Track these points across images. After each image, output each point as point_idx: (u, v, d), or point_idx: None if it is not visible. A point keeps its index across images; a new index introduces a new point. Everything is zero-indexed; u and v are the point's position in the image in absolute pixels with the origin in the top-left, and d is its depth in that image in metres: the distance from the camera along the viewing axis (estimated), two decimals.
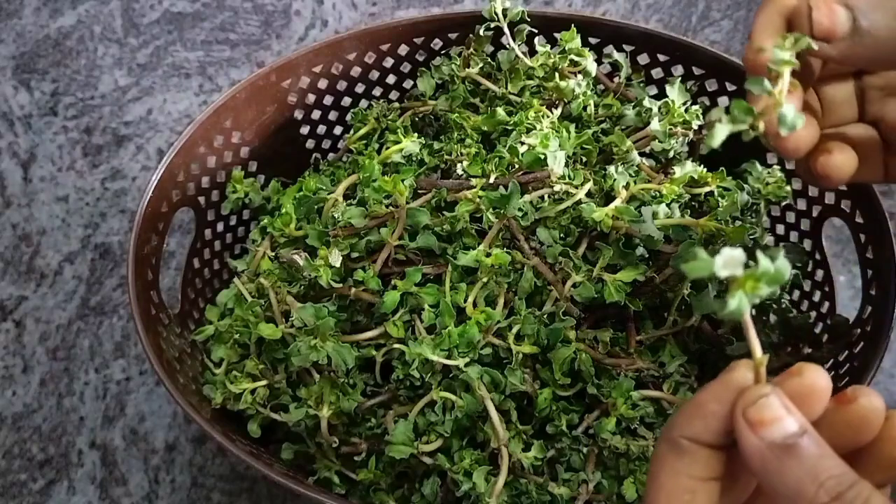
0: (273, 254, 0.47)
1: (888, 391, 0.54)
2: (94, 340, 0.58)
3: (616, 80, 0.51)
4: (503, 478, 0.39)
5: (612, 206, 0.42)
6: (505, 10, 0.49)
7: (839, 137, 0.32)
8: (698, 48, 0.49)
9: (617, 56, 0.51)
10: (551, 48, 0.51)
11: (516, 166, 0.43)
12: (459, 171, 0.44)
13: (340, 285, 0.42)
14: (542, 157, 0.42)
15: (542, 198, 0.43)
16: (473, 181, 0.43)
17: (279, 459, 0.45)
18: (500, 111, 0.47)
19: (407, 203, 0.42)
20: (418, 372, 0.40)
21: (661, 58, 0.51)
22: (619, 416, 0.41)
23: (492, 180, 0.42)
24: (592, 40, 0.51)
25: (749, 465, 0.22)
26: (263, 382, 0.44)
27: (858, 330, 0.44)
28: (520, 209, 0.41)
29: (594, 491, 0.41)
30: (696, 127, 0.46)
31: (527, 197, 0.42)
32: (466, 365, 0.40)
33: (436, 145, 0.48)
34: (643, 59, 0.52)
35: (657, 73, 0.52)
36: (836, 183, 0.31)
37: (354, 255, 0.43)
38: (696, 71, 0.50)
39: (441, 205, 0.44)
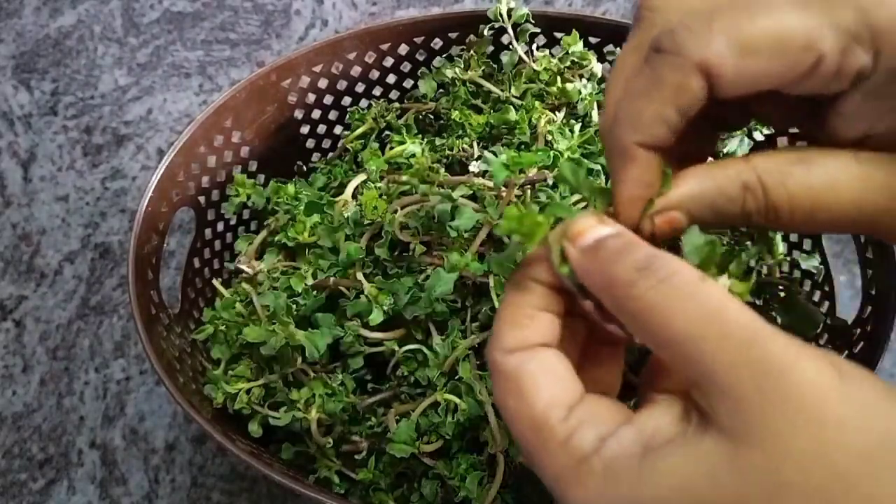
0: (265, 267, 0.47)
1: None
2: (94, 340, 0.58)
3: None
4: (496, 485, 0.39)
5: None
6: (510, 11, 0.49)
7: None
8: None
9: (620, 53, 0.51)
10: (552, 48, 0.51)
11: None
12: (472, 168, 0.44)
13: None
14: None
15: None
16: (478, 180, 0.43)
17: (279, 459, 0.45)
18: (511, 110, 0.47)
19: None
20: (425, 373, 0.40)
21: None
22: None
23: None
24: (593, 40, 0.51)
25: (578, 280, 0.23)
26: (259, 382, 0.44)
27: (858, 330, 0.44)
28: None
29: None
30: None
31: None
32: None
33: (437, 141, 0.48)
34: None
35: None
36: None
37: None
38: None
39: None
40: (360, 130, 0.51)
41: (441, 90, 0.53)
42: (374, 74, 0.54)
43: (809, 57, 0.22)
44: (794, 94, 0.24)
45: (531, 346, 0.24)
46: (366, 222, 0.43)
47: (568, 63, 0.49)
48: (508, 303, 0.25)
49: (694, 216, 0.25)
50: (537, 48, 0.51)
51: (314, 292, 0.43)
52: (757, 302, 0.45)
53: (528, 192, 0.42)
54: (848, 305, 0.46)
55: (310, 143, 0.55)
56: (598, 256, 0.23)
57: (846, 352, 0.44)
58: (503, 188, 0.41)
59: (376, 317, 0.41)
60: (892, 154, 0.24)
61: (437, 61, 0.53)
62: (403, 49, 0.53)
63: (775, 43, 0.22)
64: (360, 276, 0.43)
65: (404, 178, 0.42)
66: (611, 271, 0.22)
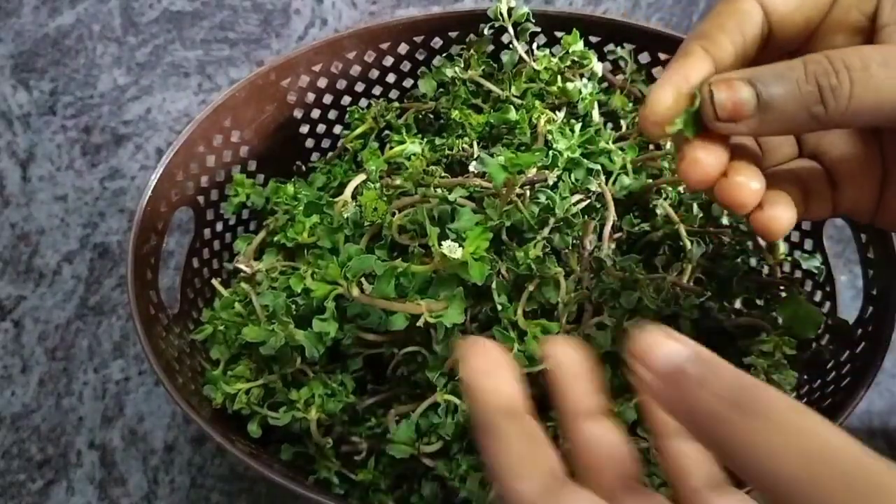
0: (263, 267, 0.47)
1: (889, 391, 0.54)
2: (93, 340, 0.58)
3: (621, 77, 0.51)
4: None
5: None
6: (510, 10, 0.49)
7: (781, 178, 0.31)
8: None
9: (621, 52, 0.51)
10: (552, 47, 0.51)
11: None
12: (472, 168, 0.44)
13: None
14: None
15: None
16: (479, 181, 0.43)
17: (278, 460, 0.45)
18: (511, 109, 0.47)
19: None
20: (425, 374, 0.40)
21: (663, 56, 0.51)
22: None
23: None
24: (593, 39, 0.51)
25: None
26: (258, 383, 0.44)
27: (860, 330, 0.44)
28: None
29: None
30: None
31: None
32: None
33: (437, 140, 0.48)
34: (644, 57, 0.51)
35: (658, 72, 0.52)
36: (777, 236, 0.30)
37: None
38: None
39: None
40: (359, 130, 0.51)
41: (441, 89, 0.52)
42: (374, 74, 0.54)
43: None
44: (841, 23, 0.27)
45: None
46: (365, 223, 0.43)
47: (568, 62, 0.49)
48: None
49: (758, 88, 0.25)
50: (537, 47, 0.51)
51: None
52: (758, 302, 0.45)
53: (528, 192, 0.42)
54: (849, 306, 0.46)
55: (309, 143, 0.55)
56: (680, 386, 0.21)
57: (847, 352, 0.44)
58: (503, 188, 0.41)
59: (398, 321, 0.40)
60: None
61: (436, 60, 0.53)
62: (403, 48, 0.53)
63: None
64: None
65: (398, 181, 0.42)
66: (698, 405, 0.21)
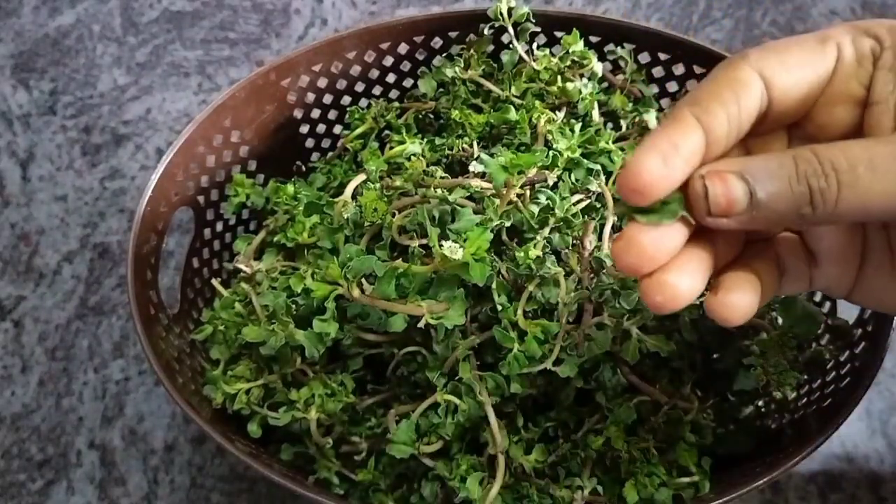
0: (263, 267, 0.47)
1: (889, 391, 0.54)
2: (93, 340, 0.58)
3: (621, 77, 0.51)
4: (497, 486, 0.38)
5: None
6: (510, 10, 0.49)
7: (758, 253, 0.30)
8: (700, 47, 0.49)
9: (621, 52, 0.51)
10: (552, 47, 0.51)
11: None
12: (472, 168, 0.44)
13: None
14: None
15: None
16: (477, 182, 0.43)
17: (279, 460, 0.45)
18: (511, 109, 0.47)
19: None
20: (425, 374, 0.40)
21: (663, 56, 0.51)
22: (610, 437, 0.41)
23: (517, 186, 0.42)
24: (593, 39, 0.51)
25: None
26: (258, 383, 0.44)
27: (859, 330, 0.44)
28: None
29: (596, 493, 0.41)
30: None
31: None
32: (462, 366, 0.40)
33: (437, 140, 0.48)
34: (644, 57, 0.51)
35: (658, 72, 0.52)
36: (731, 323, 0.27)
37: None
38: (698, 70, 0.50)
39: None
40: (359, 130, 0.51)
41: (441, 89, 0.52)
42: (374, 73, 0.54)
43: (831, 48, 0.27)
44: (840, 95, 0.27)
45: None
46: (366, 224, 0.43)
47: (568, 62, 0.49)
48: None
49: (751, 186, 0.25)
50: (537, 47, 0.51)
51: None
52: None
53: (528, 192, 0.42)
54: (849, 306, 0.46)
55: (309, 143, 0.55)
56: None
57: (847, 352, 0.44)
58: (503, 189, 0.41)
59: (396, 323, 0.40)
60: None
61: (436, 60, 0.53)
62: (403, 48, 0.53)
63: (800, 43, 0.27)
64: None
65: (398, 182, 0.42)
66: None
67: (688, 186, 0.26)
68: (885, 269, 0.29)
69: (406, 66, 0.54)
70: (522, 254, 0.40)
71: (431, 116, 0.52)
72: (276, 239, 0.48)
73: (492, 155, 0.43)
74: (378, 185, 0.43)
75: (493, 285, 0.40)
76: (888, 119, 0.26)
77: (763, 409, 0.46)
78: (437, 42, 0.53)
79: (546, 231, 0.42)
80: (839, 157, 0.24)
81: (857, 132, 0.28)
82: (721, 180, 0.25)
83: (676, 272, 0.26)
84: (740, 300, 0.27)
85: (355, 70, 0.53)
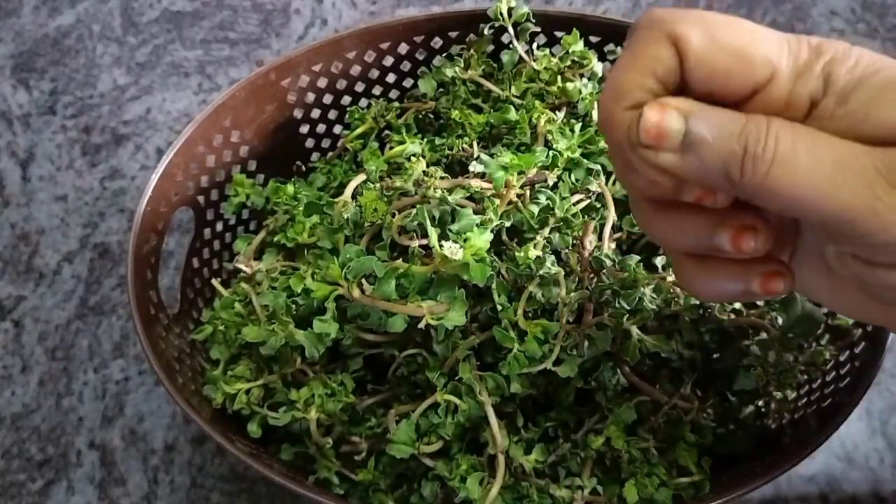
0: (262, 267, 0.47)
1: (889, 391, 0.54)
2: (93, 340, 0.58)
3: None
4: (497, 486, 0.38)
5: None
6: (510, 10, 0.49)
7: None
8: None
9: (621, 52, 0.51)
10: (552, 47, 0.51)
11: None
12: (472, 168, 0.44)
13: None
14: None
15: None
16: (476, 182, 0.43)
17: (279, 460, 0.45)
18: (511, 109, 0.47)
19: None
20: (425, 374, 0.40)
21: None
22: (610, 437, 0.41)
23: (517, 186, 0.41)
24: (593, 39, 0.51)
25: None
26: (258, 383, 0.44)
27: (859, 330, 0.44)
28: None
29: (595, 493, 0.41)
30: None
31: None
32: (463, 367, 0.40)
33: (437, 140, 0.48)
34: None
35: None
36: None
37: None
38: None
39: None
40: (359, 130, 0.51)
41: (441, 89, 0.52)
42: (374, 73, 0.54)
43: (766, 70, 0.24)
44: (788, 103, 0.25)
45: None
46: (366, 224, 0.43)
47: (568, 62, 0.49)
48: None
49: (689, 125, 0.24)
50: (537, 47, 0.51)
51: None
52: (758, 302, 0.45)
53: (528, 192, 0.42)
54: None
55: (309, 143, 0.55)
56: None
57: (847, 352, 0.44)
58: (503, 189, 0.41)
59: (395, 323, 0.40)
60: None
61: (437, 60, 0.53)
62: (403, 48, 0.53)
63: (740, 46, 0.24)
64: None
65: (398, 183, 0.42)
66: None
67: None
68: (821, 273, 0.28)
69: (406, 66, 0.54)
70: (522, 254, 0.40)
71: (431, 116, 0.52)
72: (276, 239, 0.48)
73: (492, 155, 0.43)
74: (378, 186, 0.43)
75: (493, 285, 0.40)
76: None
77: (763, 409, 0.46)
78: (437, 42, 0.53)
79: (546, 231, 0.42)
80: (787, 131, 0.23)
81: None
82: (660, 109, 0.24)
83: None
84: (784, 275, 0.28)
85: (355, 70, 0.53)
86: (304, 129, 0.54)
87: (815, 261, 0.29)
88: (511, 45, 0.50)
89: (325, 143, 0.56)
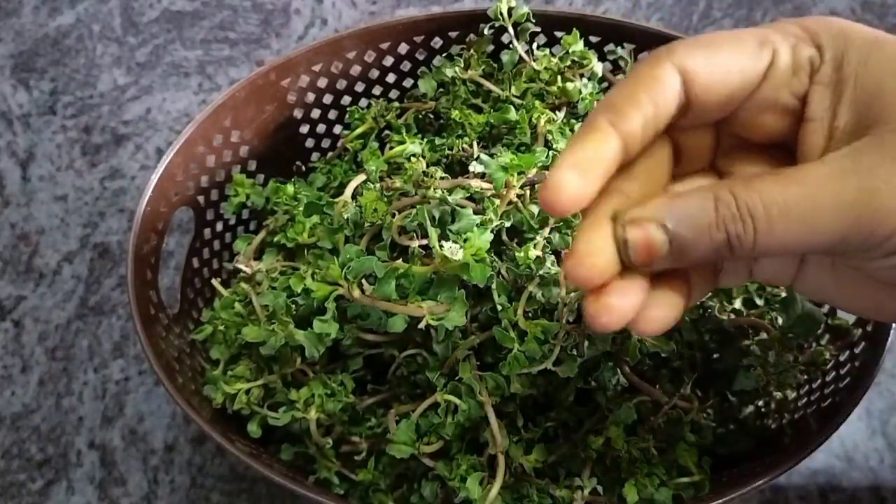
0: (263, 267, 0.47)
1: (889, 391, 0.54)
2: (93, 340, 0.58)
3: (621, 77, 0.51)
4: (497, 486, 0.38)
5: None
6: (510, 10, 0.49)
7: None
8: None
9: (621, 52, 0.51)
10: (552, 47, 0.51)
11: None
12: (472, 169, 0.44)
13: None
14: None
15: None
16: (476, 182, 0.43)
17: (279, 460, 0.45)
18: (511, 109, 0.47)
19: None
20: (425, 374, 0.40)
21: None
22: (609, 437, 0.41)
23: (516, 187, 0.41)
24: (593, 39, 0.51)
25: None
26: (258, 383, 0.44)
27: (859, 330, 0.44)
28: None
29: (595, 493, 0.41)
30: None
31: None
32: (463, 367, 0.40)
33: (437, 140, 0.48)
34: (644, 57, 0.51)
35: None
36: (647, 334, 0.28)
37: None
38: None
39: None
40: (359, 130, 0.51)
41: (441, 89, 0.52)
42: (374, 73, 0.54)
43: (766, 51, 0.26)
44: (771, 103, 0.26)
45: None
46: (366, 224, 0.43)
47: (568, 62, 0.49)
48: None
49: (671, 233, 0.25)
50: (537, 47, 0.51)
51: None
52: (758, 302, 0.45)
53: (528, 192, 0.42)
54: None
55: (309, 143, 0.55)
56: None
57: (847, 352, 0.44)
58: (503, 189, 0.41)
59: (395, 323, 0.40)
60: (856, 153, 0.24)
61: (437, 60, 0.53)
62: (403, 48, 0.53)
63: (735, 41, 0.26)
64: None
65: (398, 184, 0.42)
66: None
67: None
68: (825, 264, 0.29)
69: (406, 66, 0.54)
70: (522, 254, 0.40)
71: (431, 116, 0.52)
72: (276, 239, 0.48)
73: (492, 155, 0.43)
74: (378, 186, 0.43)
75: (494, 285, 0.40)
76: (821, 138, 0.26)
77: (763, 409, 0.46)
78: (437, 42, 0.53)
79: (546, 231, 0.42)
80: (756, 202, 0.24)
81: (787, 140, 0.27)
82: (641, 230, 0.25)
83: (618, 294, 0.26)
84: (657, 314, 0.27)
85: (355, 70, 0.53)
86: (304, 129, 0.54)
87: (817, 260, 0.29)
88: (511, 45, 0.50)
89: (325, 143, 0.56)
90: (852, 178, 0.23)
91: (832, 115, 0.26)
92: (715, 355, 0.45)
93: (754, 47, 0.26)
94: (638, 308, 0.26)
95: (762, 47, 0.26)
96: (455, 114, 0.48)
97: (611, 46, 0.51)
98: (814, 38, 0.26)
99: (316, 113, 0.54)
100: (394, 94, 0.55)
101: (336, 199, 0.46)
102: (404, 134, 0.49)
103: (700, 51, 0.26)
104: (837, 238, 0.24)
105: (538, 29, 0.51)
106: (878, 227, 0.23)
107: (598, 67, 0.49)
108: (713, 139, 0.29)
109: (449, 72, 0.51)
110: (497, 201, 0.41)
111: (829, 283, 0.29)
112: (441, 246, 0.36)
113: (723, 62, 0.26)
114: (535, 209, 0.41)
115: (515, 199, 0.41)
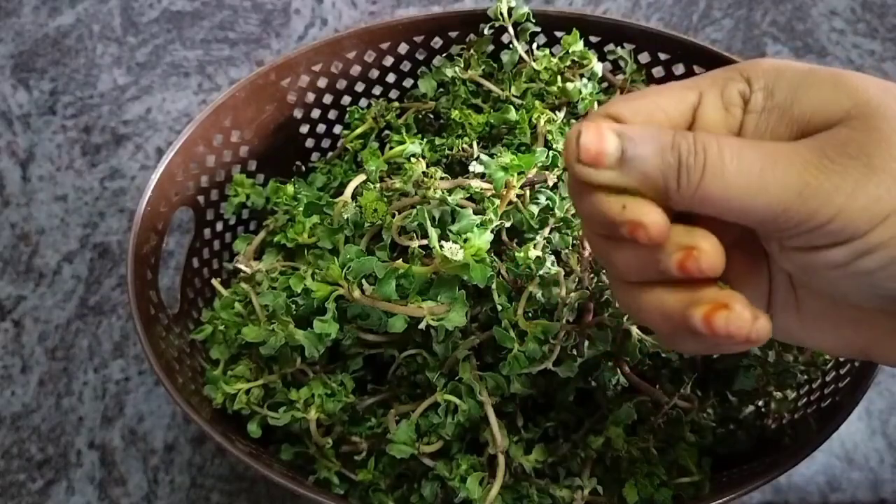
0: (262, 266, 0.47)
1: (889, 391, 0.54)
2: (93, 340, 0.58)
3: (621, 77, 0.51)
4: (497, 486, 0.38)
5: None
6: (510, 10, 0.49)
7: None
8: (700, 47, 0.49)
9: (621, 52, 0.51)
10: (552, 47, 0.51)
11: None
12: (472, 169, 0.44)
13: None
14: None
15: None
16: (477, 183, 0.43)
17: (278, 460, 0.45)
18: (511, 109, 0.47)
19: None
20: (425, 374, 0.40)
21: (662, 56, 0.51)
22: (609, 437, 0.41)
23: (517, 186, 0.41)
24: (593, 39, 0.51)
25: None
26: (258, 383, 0.44)
27: None
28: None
29: (595, 493, 0.41)
30: None
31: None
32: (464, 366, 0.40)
33: (437, 140, 0.48)
34: (644, 57, 0.51)
35: (658, 72, 0.52)
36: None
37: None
38: (698, 69, 0.50)
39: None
40: (359, 130, 0.51)
41: (441, 89, 0.52)
42: (374, 73, 0.54)
43: (691, 94, 0.27)
44: None
45: None
46: (366, 224, 0.43)
47: (568, 62, 0.49)
48: None
49: (625, 144, 0.25)
50: (538, 47, 0.51)
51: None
52: None
53: (528, 192, 0.42)
54: None
55: (309, 143, 0.55)
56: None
57: None
58: (503, 189, 0.41)
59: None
60: (813, 139, 0.24)
61: (436, 60, 0.53)
62: (403, 48, 0.53)
63: (661, 89, 0.27)
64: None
65: (398, 184, 0.42)
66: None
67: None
68: (791, 308, 0.29)
69: (406, 66, 0.54)
70: (522, 254, 0.40)
71: (431, 116, 0.52)
72: (276, 239, 0.48)
73: (492, 155, 0.43)
74: (378, 186, 0.43)
75: (494, 286, 0.40)
76: None
77: (763, 409, 0.46)
78: (437, 42, 0.53)
79: (546, 231, 0.42)
80: (712, 141, 0.24)
81: None
82: (596, 129, 0.25)
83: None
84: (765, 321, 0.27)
85: (355, 70, 0.53)
86: (304, 129, 0.54)
87: (783, 302, 0.29)
88: (511, 45, 0.50)
89: (325, 143, 0.56)
90: (805, 152, 0.24)
91: (770, 137, 0.26)
92: (715, 355, 0.45)
93: (678, 90, 0.27)
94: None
95: (687, 90, 0.27)
96: (455, 114, 0.48)
97: (611, 46, 0.51)
98: (742, 73, 0.26)
99: (316, 113, 0.54)
100: (394, 94, 0.55)
101: (336, 199, 0.46)
102: (404, 134, 0.49)
103: (625, 102, 0.27)
104: (780, 208, 0.24)
105: (538, 29, 0.51)
106: (823, 204, 0.23)
107: (598, 67, 0.49)
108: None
109: (449, 72, 0.51)
110: (497, 201, 0.41)
111: (794, 324, 0.29)
112: (441, 246, 0.36)
113: (644, 106, 0.26)
114: (535, 209, 0.41)
115: (515, 200, 0.41)
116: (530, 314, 0.40)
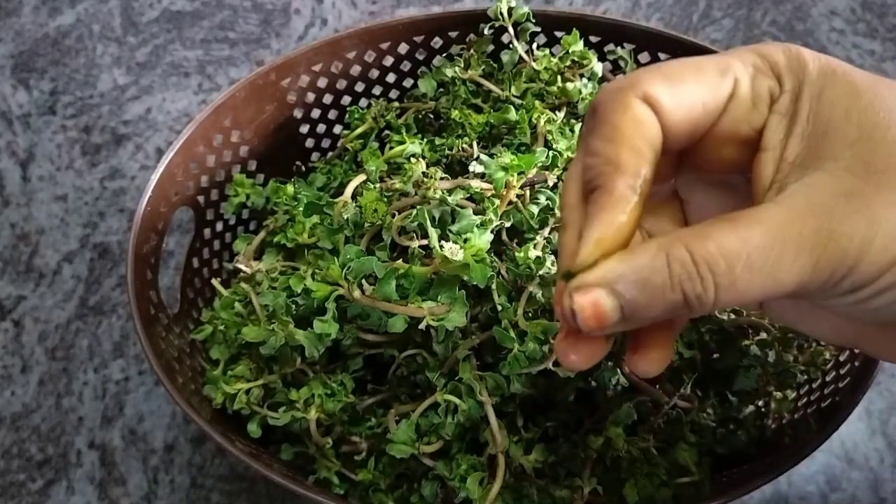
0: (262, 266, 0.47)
1: (889, 391, 0.54)
2: (93, 340, 0.58)
3: (621, 77, 0.51)
4: (497, 486, 0.38)
5: None
6: (510, 10, 0.49)
7: None
8: (700, 47, 0.49)
9: (621, 52, 0.51)
10: (552, 47, 0.51)
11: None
12: (472, 169, 0.44)
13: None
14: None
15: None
16: (477, 183, 0.43)
17: (278, 460, 0.45)
18: (511, 109, 0.47)
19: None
20: (425, 374, 0.40)
21: (662, 56, 0.51)
22: (609, 437, 0.41)
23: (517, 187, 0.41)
24: (593, 39, 0.51)
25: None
26: (258, 383, 0.44)
27: None
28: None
29: (595, 493, 0.41)
30: None
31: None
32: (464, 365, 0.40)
33: (437, 140, 0.48)
34: (644, 57, 0.51)
35: None
36: (655, 374, 0.28)
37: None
38: None
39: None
40: (359, 130, 0.51)
41: (441, 89, 0.52)
42: (374, 73, 0.54)
43: (728, 81, 0.26)
44: (730, 135, 0.26)
45: None
46: (366, 224, 0.43)
47: (568, 62, 0.49)
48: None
49: (621, 299, 0.24)
50: (537, 47, 0.51)
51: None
52: None
53: (528, 192, 0.42)
54: None
55: (309, 143, 0.55)
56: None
57: (847, 352, 0.44)
58: (503, 189, 0.41)
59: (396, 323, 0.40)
60: (810, 190, 0.24)
61: (437, 60, 0.53)
62: (403, 48, 0.53)
63: (697, 71, 0.26)
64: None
65: (398, 184, 0.42)
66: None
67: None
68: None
69: (406, 66, 0.54)
70: (522, 254, 0.40)
71: (431, 116, 0.52)
72: (276, 239, 0.48)
73: (492, 155, 0.43)
74: (378, 186, 0.43)
75: (494, 286, 0.40)
76: (770, 169, 0.25)
77: (763, 409, 0.46)
78: (437, 42, 0.53)
79: (546, 231, 0.42)
80: (716, 258, 0.23)
81: (741, 170, 0.27)
82: (588, 296, 0.24)
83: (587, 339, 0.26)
84: (659, 356, 0.28)
85: (355, 70, 0.53)
86: (304, 129, 0.54)
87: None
88: (511, 45, 0.50)
89: (325, 143, 0.56)
90: (809, 219, 0.23)
91: (783, 146, 0.25)
92: (715, 355, 0.45)
93: (715, 77, 0.26)
94: (608, 348, 0.27)
95: (723, 76, 0.26)
96: (455, 114, 0.48)
97: (611, 46, 0.51)
98: (773, 67, 0.26)
99: (316, 113, 0.54)
100: (394, 94, 0.55)
101: (336, 199, 0.46)
102: (404, 134, 0.49)
103: (663, 81, 0.25)
104: (798, 285, 0.23)
105: (538, 29, 0.51)
106: (837, 268, 0.23)
107: (598, 67, 0.49)
108: (673, 166, 0.29)
109: (449, 72, 0.51)
110: (497, 201, 0.41)
111: (790, 312, 0.30)
112: (441, 246, 0.36)
113: (686, 93, 0.25)
114: (535, 209, 0.41)
115: (515, 200, 0.41)
116: (530, 314, 0.40)
